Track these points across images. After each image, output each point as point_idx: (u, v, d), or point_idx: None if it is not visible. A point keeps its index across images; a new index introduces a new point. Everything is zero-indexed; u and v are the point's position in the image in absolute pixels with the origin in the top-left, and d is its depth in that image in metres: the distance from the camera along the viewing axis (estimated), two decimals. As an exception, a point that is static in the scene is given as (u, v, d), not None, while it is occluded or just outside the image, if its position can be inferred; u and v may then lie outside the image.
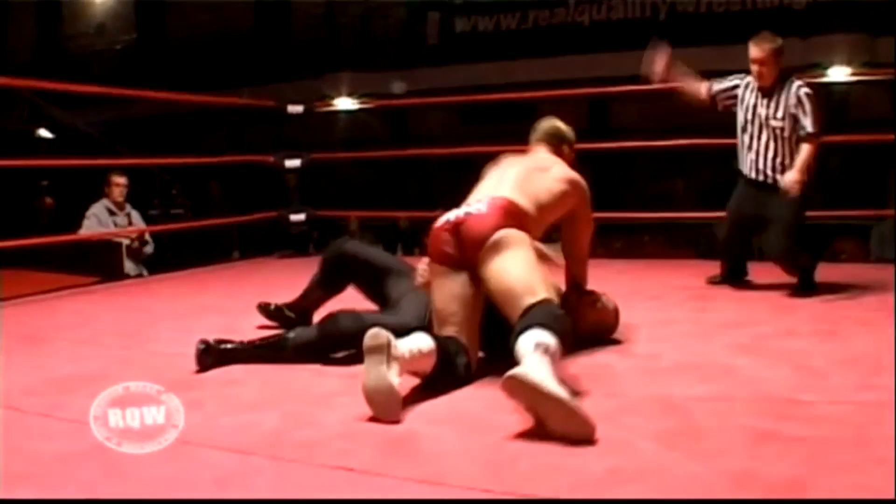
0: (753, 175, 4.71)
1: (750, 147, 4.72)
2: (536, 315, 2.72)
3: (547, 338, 2.60)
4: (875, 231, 8.72)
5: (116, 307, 4.97)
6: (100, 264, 6.56)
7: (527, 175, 3.38)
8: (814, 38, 10.43)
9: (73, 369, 3.35)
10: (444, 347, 2.90)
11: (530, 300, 2.80)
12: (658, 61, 4.80)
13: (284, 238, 7.63)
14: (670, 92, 9.47)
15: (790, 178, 4.42)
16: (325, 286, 3.94)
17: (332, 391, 2.90)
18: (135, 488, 2.14)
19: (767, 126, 4.63)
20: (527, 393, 2.41)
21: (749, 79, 4.73)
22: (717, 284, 4.93)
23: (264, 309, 4.09)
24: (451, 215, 3.19)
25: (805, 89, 4.56)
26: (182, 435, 2.42)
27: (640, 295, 4.69)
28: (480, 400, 2.81)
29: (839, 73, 10.03)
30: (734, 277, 4.90)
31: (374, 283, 3.73)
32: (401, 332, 2.82)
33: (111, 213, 6.84)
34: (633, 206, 7.43)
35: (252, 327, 3.86)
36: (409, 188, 12.41)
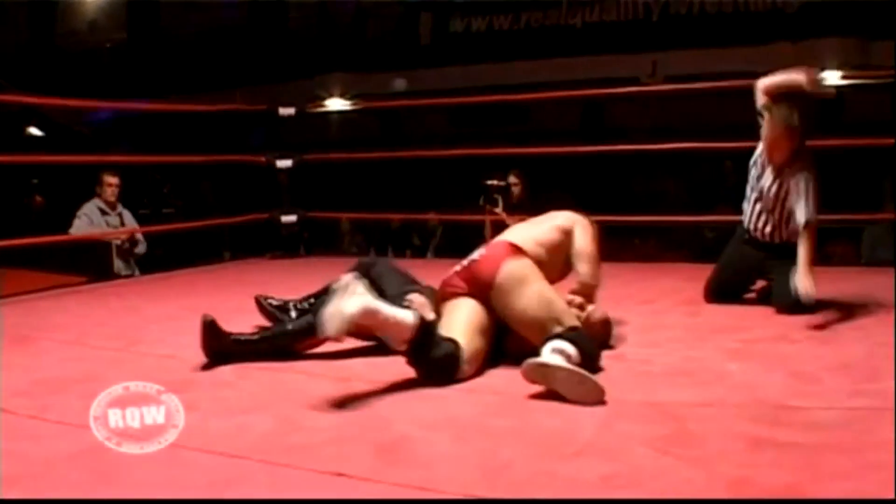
0: (755, 233, 4.56)
1: (755, 206, 4.53)
2: (561, 333, 3.03)
3: (566, 345, 2.94)
4: (867, 234, 8.72)
5: (106, 308, 4.94)
6: (90, 264, 6.54)
7: (522, 226, 3.71)
8: (806, 41, 10.45)
9: (62, 370, 3.33)
10: (427, 326, 2.94)
11: (557, 329, 3.07)
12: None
13: (276, 239, 7.60)
14: (663, 94, 9.47)
15: (803, 287, 4.05)
16: None
17: (325, 395, 2.88)
18: (125, 492, 2.12)
19: (770, 199, 4.43)
20: (540, 373, 2.81)
21: None
22: None
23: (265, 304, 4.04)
24: (458, 266, 3.42)
25: (807, 173, 4.28)
26: (173, 438, 2.41)
27: (631, 299, 4.68)
28: (475, 405, 2.81)
29: (832, 77, 10.04)
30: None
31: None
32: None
33: (103, 212, 6.82)
34: (624, 208, 7.42)
35: (242, 330, 3.84)
36: (400, 189, 12.38)
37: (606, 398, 2.78)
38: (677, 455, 2.28)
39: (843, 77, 10.03)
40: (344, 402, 2.76)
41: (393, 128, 13.63)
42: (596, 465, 2.22)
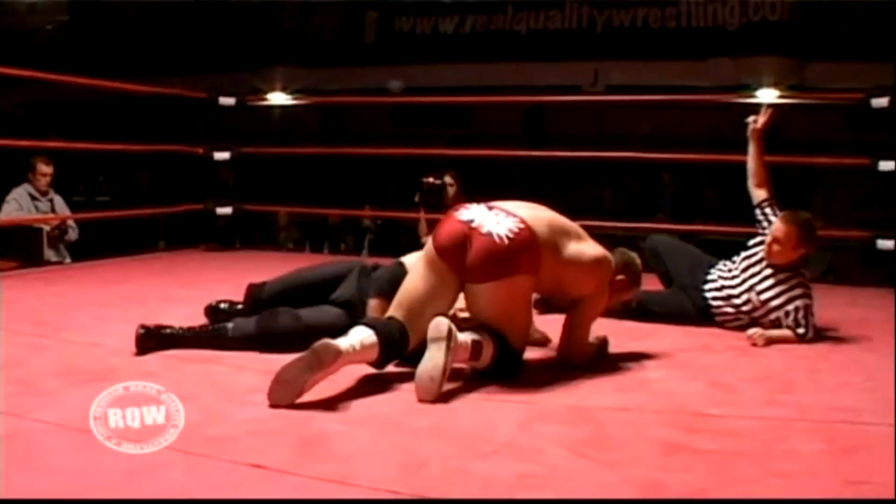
0: (714, 312, 4.38)
1: (729, 297, 4.33)
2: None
3: (488, 341, 3.01)
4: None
5: (33, 294, 4.86)
6: (19, 250, 6.41)
7: (562, 226, 3.30)
8: (744, 58, 10.64)
9: (-18, 355, 3.28)
10: (387, 335, 2.93)
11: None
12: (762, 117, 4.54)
13: (211, 230, 7.55)
14: (605, 104, 9.57)
15: (760, 337, 3.96)
16: None
17: (248, 387, 2.88)
18: (43, 477, 2.11)
19: (752, 294, 4.24)
20: (438, 331, 2.85)
21: None
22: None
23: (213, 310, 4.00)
24: (476, 216, 3.13)
25: (805, 300, 4.07)
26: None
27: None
28: (397, 402, 2.83)
29: (768, 95, 10.23)
30: None
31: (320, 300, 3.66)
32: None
33: (33, 198, 6.69)
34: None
35: (171, 318, 3.81)
36: (339, 186, 12.35)
37: (528, 399, 2.84)
38: (592, 457, 2.33)
39: (780, 97, 10.22)
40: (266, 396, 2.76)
41: (334, 124, 13.60)
42: (512, 464, 2.26)
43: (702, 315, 4.39)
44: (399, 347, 2.98)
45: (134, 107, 12.55)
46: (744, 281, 4.28)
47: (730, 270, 4.39)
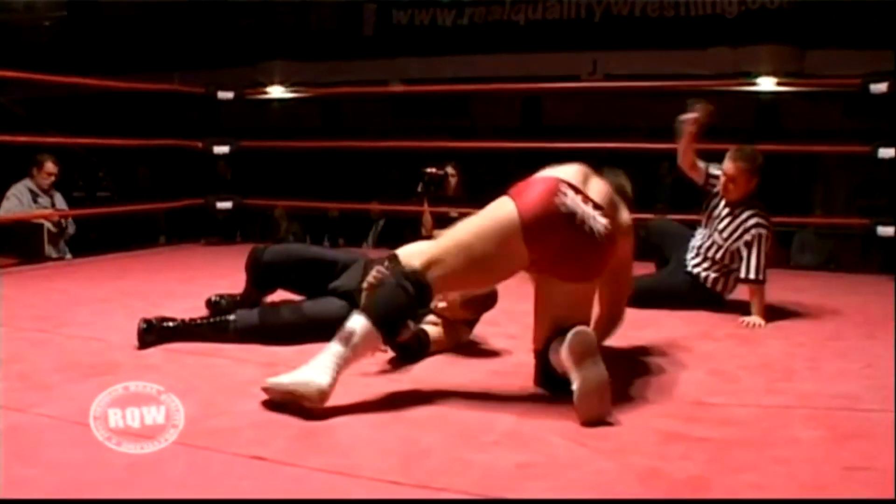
0: (698, 277, 4.56)
1: (703, 247, 4.55)
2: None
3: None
4: (797, 238, 8.95)
5: (35, 290, 4.87)
6: (20, 246, 6.42)
7: (610, 195, 3.09)
8: (743, 47, 10.62)
9: (-17, 351, 3.28)
10: (384, 315, 2.72)
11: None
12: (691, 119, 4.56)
13: (212, 224, 7.56)
14: (601, 92, 9.55)
15: (755, 322, 4.17)
16: (259, 290, 3.88)
17: (249, 380, 2.88)
18: (44, 471, 2.12)
19: (715, 235, 4.47)
20: (588, 345, 2.62)
21: None
22: None
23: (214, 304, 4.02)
24: (577, 208, 2.83)
25: (760, 230, 4.29)
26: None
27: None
28: (397, 394, 2.83)
29: (768, 83, 10.23)
30: None
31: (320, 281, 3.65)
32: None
33: (34, 194, 6.70)
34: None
35: (172, 313, 3.82)
36: (340, 178, 12.34)
37: (528, 389, 2.84)
38: (592, 447, 2.33)
39: (778, 84, 10.21)
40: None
41: (334, 118, 13.60)
42: (512, 454, 2.27)
43: (688, 279, 4.57)
44: (407, 310, 2.76)
45: (134, 102, 12.55)
46: (709, 228, 4.53)
47: (700, 231, 4.63)
